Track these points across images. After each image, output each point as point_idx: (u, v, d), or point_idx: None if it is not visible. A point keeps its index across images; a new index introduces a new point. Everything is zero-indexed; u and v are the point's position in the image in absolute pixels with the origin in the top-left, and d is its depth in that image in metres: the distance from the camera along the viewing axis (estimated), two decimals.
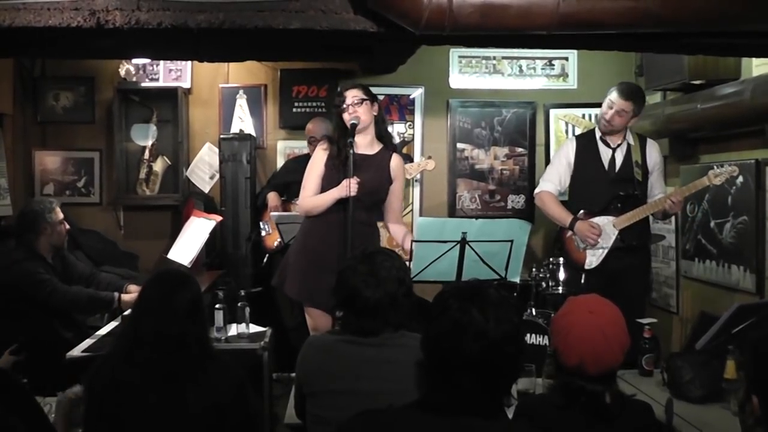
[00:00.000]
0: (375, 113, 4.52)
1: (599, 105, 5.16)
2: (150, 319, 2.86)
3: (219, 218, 5.75)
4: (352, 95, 4.46)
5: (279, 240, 5.75)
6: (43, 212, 4.97)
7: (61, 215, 5.08)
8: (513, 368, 2.06)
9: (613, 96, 5.00)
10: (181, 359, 2.82)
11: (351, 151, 4.30)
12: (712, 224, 5.50)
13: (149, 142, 6.86)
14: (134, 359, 2.83)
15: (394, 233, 4.69)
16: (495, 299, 2.04)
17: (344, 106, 4.45)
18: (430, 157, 6.02)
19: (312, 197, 4.52)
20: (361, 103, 4.43)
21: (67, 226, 5.18)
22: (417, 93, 6.96)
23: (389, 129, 4.79)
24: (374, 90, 4.63)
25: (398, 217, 4.66)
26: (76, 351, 4.38)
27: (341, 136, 4.45)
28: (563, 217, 5.12)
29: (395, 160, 4.56)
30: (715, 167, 4.84)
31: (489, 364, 1.97)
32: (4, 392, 2.66)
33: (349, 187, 4.27)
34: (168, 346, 2.81)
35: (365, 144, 4.52)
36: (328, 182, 4.48)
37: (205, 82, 6.95)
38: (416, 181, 6.82)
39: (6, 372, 3.24)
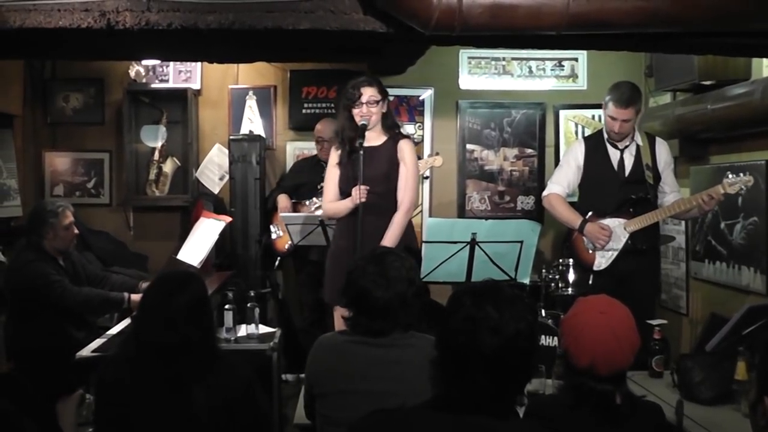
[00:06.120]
0: (384, 111, 4.50)
1: None
2: (151, 328, 2.85)
3: (228, 219, 5.75)
4: (369, 94, 4.40)
5: (290, 242, 5.75)
6: (47, 217, 4.90)
7: (68, 219, 5.00)
8: (527, 366, 2.06)
9: (612, 109, 4.93)
10: (187, 364, 2.81)
11: (362, 153, 4.29)
12: (722, 225, 5.48)
13: (159, 143, 6.87)
14: (139, 364, 2.84)
15: None
16: (509, 296, 2.05)
17: (358, 102, 4.40)
18: (437, 154, 6.00)
19: (330, 204, 4.58)
20: (377, 103, 4.42)
21: (76, 231, 5.13)
22: (426, 94, 6.96)
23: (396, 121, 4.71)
24: None
25: (404, 204, 4.43)
26: (86, 351, 4.38)
27: (348, 129, 4.46)
28: (573, 219, 5.09)
29: (401, 143, 4.49)
30: (730, 175, 4.73)
31: (503, 361, 1.97)
32: (16, 396, 2.67)
33: (359, 194, 4.27)
34: (172, 354, 2.80)
35: (373, 137, 4.49)
36: (343, 180, 4.53)
37: (214, 84, 6.96)
38: (425, 178, 6.79)
39: (15, 376, 3.26)
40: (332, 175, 4.59)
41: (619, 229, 4.98)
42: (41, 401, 2.88)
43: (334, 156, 4.58)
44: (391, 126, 4.54)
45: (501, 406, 2.01)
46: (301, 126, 6.92)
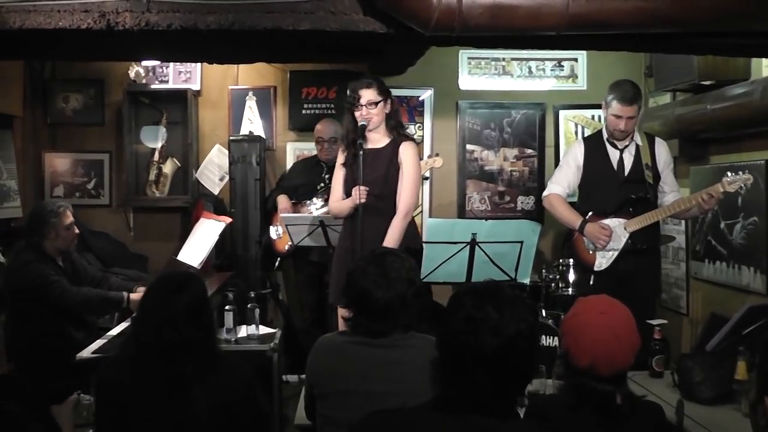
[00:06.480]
0: (388, 110, 4.48)
1: None
2: (150, 327, 2.85)
3: (228, 220, 5.74)
4: (367, 97, 4.39)
5: (290, 243, 5.74)
6: (48, 217, 4.91)
7: (69, 219, 5.01)
8: (528, 366, 2.06)
9: (616, 106, 4.92)
10: (187, 364, 2.81)
11: (361, 153, 4.29)
12: (722, 225, 5.48)
13: (159, 144, 6.87)
14: (139, 365, 2.83)
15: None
16: (510, 297, 2.05)
17: (358, 105, 4.40)
18: (437, 155, 5.98)
19: (335, 203, 4.61)
20: (376, 105, 4.41)
21: (77, 231, 5.14)
22: (426, 94, 6.96)
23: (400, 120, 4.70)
24: None
25: (400, 208, 4.40)
26: (86, 352, 4.38)
27: (351, 132, 4.46)
28: (573, 219, 5.09)
29: (402, 146, 4.46)
30: (729, 174, 4.69)
31: (504, 361, 1.98)
32: (16, 397, 2.67)
33: (359, 195, 4.27)
34: (171, 353, 2.80)
35: (376, 138, 4.50)
36: (346, 181, 4.55)
37: (214, 84, 6.96)
38: (425, 179, 6.77)
39: (16, 378, 3.25)
40: (339, 175, 4.63)
41: (619, 229, 4.98)
42: (41, 402, 2.88)
43: (341, 157, 4.61)
44: (394, 126, 4.52)
45: (502, 407, 2.01)
46: (301, 126, 6.92)
